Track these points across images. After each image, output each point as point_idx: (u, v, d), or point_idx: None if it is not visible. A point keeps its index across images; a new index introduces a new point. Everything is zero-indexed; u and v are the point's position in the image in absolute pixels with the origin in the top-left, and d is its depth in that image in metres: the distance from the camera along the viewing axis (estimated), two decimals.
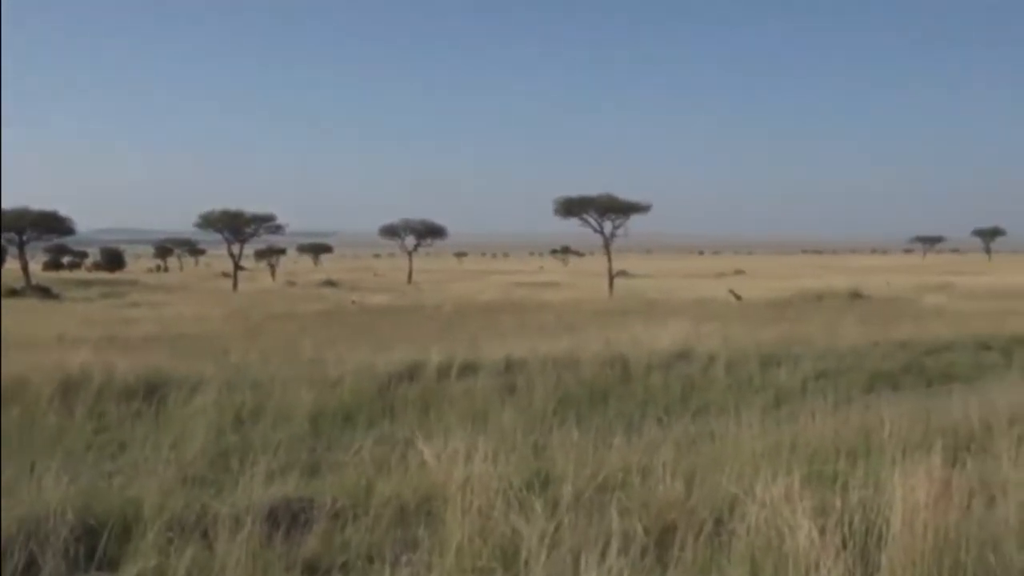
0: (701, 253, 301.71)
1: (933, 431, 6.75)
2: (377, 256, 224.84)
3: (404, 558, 4.63)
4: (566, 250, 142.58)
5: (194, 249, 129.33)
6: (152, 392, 9.63)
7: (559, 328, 19.85)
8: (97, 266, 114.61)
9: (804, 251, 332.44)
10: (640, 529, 4.58)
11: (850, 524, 4.30)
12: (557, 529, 4.39)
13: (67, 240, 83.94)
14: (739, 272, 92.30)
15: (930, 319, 21.73)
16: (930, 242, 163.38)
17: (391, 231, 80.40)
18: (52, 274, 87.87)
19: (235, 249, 62.20)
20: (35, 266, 76.57)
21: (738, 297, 36.97)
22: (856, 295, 35.66)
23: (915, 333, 16.76)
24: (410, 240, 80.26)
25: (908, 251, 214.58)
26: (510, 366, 11.91)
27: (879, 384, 11.76)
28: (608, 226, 53.48)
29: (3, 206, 51.11)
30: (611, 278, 52.82)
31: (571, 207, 53.14)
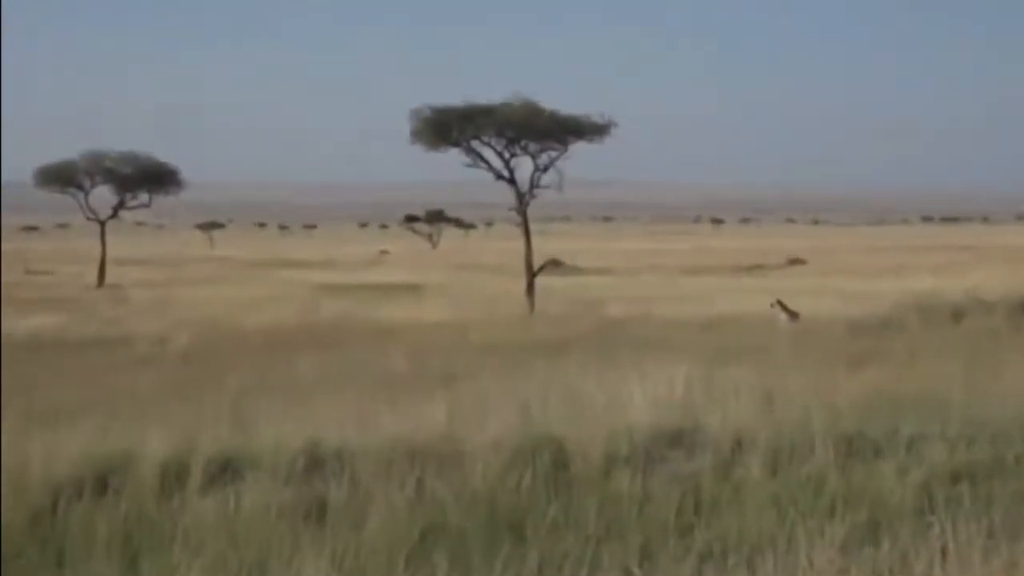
0: (718, 222, 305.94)
1: None
2: (32, 229, 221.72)
3: None
4: (437, 217, 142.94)
5: None
6: None
7: (421, 381, 19.92)
8: None
9: (925, 218, 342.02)
10: None
11: None
12: None
13: None
14: (794, 262, 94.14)
15: None
16: None
17: (62, 177, 78.88)
18: None
19: None
20: None
21: (792, 314, 37.63)
22: None
23: None
24: (103, 194, 79.10)
25: None
26: (315, 463, 11.98)
27: None
28: (523, 166, 53.51)
29: None
30: (531, 274, 52.64)
31: (445, 128, 52.37)
